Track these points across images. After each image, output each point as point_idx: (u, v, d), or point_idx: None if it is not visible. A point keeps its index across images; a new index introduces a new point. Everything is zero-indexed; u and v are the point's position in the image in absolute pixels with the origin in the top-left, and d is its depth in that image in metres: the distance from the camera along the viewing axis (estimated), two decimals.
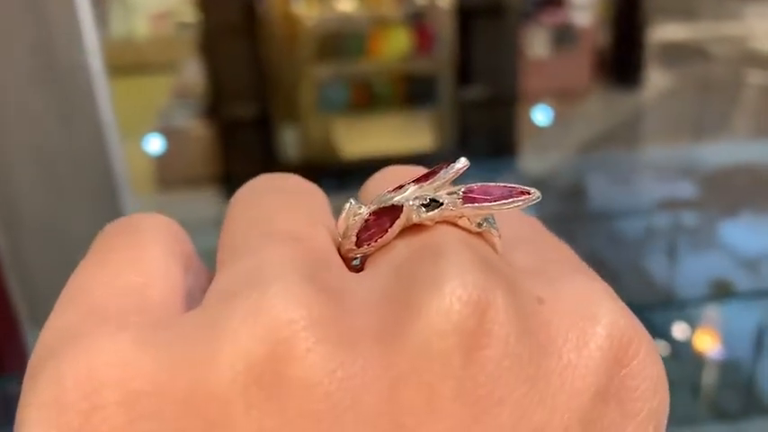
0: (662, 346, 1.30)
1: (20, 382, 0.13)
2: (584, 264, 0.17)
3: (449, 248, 0.14)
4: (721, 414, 1.20)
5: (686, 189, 1.79)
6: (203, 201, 2.21)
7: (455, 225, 0.15)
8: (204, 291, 0.15)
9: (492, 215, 0.15)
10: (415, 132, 2.39)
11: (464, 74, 2.33)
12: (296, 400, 0.12)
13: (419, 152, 2.37)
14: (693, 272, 1.53)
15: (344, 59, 2.32)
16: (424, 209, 0.15)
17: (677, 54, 2.57)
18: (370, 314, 0.13)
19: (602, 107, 2.44)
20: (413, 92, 2.37)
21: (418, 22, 2.29)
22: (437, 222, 0.15)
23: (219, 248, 0.15)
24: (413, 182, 0.15)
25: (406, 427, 0.12)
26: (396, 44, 2.33)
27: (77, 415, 0.12)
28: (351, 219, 0.15)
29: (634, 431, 0.14)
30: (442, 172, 0.15)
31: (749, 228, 1.63)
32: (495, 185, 0.15)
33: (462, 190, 0.15)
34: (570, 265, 0.16)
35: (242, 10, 2.11)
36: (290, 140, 2.32)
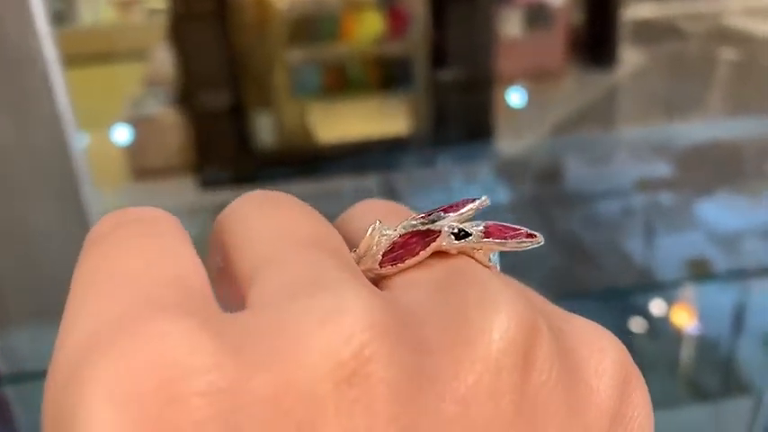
0: (640, 327, 1.30)
1: None
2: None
3: (488, 276, 0.15)
4: (700, 394, 1.21)
5: (662, 168, 1.80)
6: (178, 190, 2.19)
7: (472, 257, 0.16)
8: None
9: (497, 252, 0.16)
10: (390, 116, 2.38)
11: (438, 56, 2.32)
12: (385, 404, 0.12)
13: (395, 136, 2.36)
14: (671, 251, 1.53)
15: (317, 43, 2.30)
16: (453, 237, 0.15)
17: (651, 32, 2.57)
18: (430, 327, 0.14)
19: (576, 87, 2.44)
20: (387, 75, 2.36)
21: (391, 5, 2.28)
22: (458, 251, 0.16)
23: (245, 260, 0.15)
24: (441, 210, 0.16)
25: None
26: (369, 27, 2.31)
27: (154, 406, 0.11)
28: (377, 238, 0.16)
29: None
30: (467, 206, 0.16)
31: (725, 205, 1.63)
32: (508, 226, 0.16)
33: (484, 225, 0.16)
34: (559, 309, 0.17)
35: None
36: (264, 127, 2.30)
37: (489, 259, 0.16)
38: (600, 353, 0.15)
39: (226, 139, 2.22)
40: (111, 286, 0.13)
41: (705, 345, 1.25)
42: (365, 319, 0.12)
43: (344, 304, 0.12)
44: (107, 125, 2.19)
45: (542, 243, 0.16)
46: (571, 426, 0.14)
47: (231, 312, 0.14)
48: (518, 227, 0.16)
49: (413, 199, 1.87)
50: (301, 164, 2.25)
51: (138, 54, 2.31)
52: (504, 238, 0.16)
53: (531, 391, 0.14)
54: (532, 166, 1.93)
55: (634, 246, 1.58)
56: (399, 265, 0.16)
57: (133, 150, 2.19)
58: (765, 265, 1.43)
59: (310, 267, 0.14)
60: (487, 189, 1.83)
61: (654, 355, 1.29)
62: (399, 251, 0.16)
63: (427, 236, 0.15)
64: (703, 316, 1.26)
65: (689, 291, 1.32)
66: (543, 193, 1.80)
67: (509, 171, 1.96)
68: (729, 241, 1.52)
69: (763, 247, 1.48)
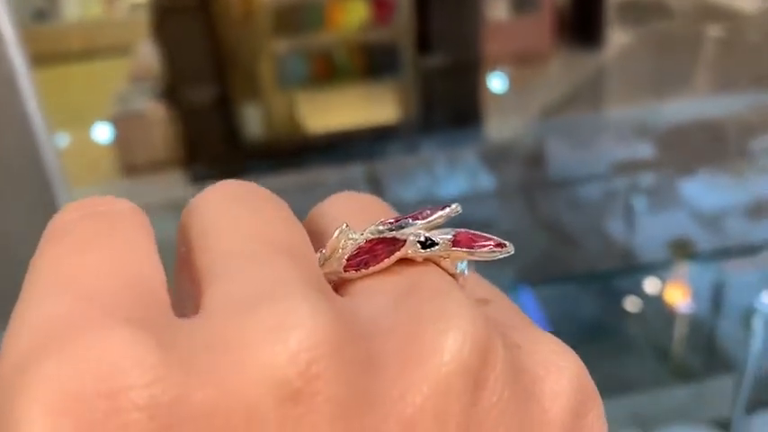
0: (623, 308, 1.30)
1: None
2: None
3: (449, 288, 0.15)
4: (683, 374, 1.21)
5: (647, 149, 1.79)
6: (167, 185, 2.18)
7: (438, 264, 0.16)
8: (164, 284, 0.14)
9: (466, 261, 0.17)
10: (377, 104, 2.37)
11: (424, 42, 2.31)
12: (326, 417, 0.12)
13: (383, 124, 2.35)
14: (654, 232, 1.53)
15: (302, 33, 2.29)
16: (419, 245, 0.16)
17: (638, 11, 2.56)
18: (382, 342, 0.13)
19: (564, 69, 2.44)
20: (374, 62, 2.35)
21: None
22: (424, 259, 0.16)
23: (204, 252, 0.15)
24: (410, 217, 0.16)
25: None
26: (354, 14, 2.30)
27: (92, 418, 0.11)
28: (343, 241, 0.16)
29: None
30: (437, 213, 0.16)
31: (708, 184, 1.63)
32: (478, 234, 0.16)
33: (453, 234, 0.16)
34: (526, 320, 0.17)
35: None
36: (252, 119, 2.29)
37: (457, 267, 0.16)
38: (557, 373, 0.15)
39: (213, 133, 2.21)
40: (61, 288, 0.13)
41: (688, 324, 1.26)
42: (314, 336, 0.12)
43: (295, 319, 0.12)
44: (94, 121, 2.19)
45: (512, 253, 0.16)
46: None
47: (187, 305, 0.14)
48: (488, 236, 0.16)
49: (398, 187, 1.86)
50: (290, 155, 2.25)
51: (122, 49, 2.31)
52: (472, 247, 0.16)
53: (480, 414, 0.14)
54: (518, 150, 1.92)
55: (618, 227, 1.58)
56: (363, 270, 0.16)
57: (121, 146, 2.19)
58: (747, 243, 1.43)
59: (268, 273, 0.13)
60: (473, 174, 1.83)
61: (637, 335, 1.29)
62: (364, 256, 0.16)
63: (393, 244, 0.16)
64: (686, 295, 1.26)
65: (672, 271, 1.32)
66: (528, 178, 1.80)
67: (495, 156, 1.95)
68: (712, 220, 1.52)
69: (746, 225, 1.48)
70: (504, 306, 0.18)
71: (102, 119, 2.19)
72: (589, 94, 2.24)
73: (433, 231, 0.16)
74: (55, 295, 0.12)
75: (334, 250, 0.16)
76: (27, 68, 0.74)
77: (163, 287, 0.14)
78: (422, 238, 0.16)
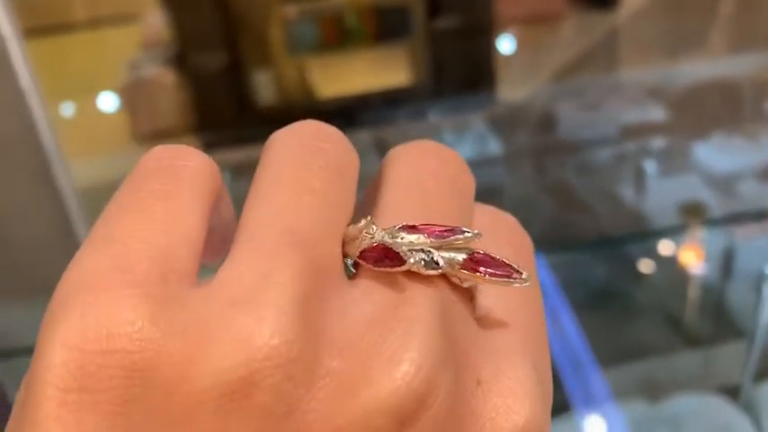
0: (634, 274, 1.30)
1: None
2: (542, 334, 0.19)
3: (421, 323, 0.16)
4: (693, 341, 1.20)
5: (660, 112, 1.77)
6: None
7: (446, 278, 0.17)
8: (224, 230, 0.18)
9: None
10: (389, 68, 2.35)
11: (435, 3, 2.28)
12: (255, 420, 0.14)
13: (396, 87, 2.33)
14: (666, 196, 1.52)
15: None
16: (423, 264, 0.17)
17: None
18: (339, 356, 0.15)
19: (578, 31, 2.39)
20: (385, 25, 2.32)
21: None
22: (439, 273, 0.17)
23: (243, 216, 0.17)
24: (425, 231, 0.17)
25: None
26: None
27: (92, 365, 0.14)
28: (362, 234, 0.17)
29: None
30: (454, 237, 0.17)
31: (722, 148, 1.60)
32: (497, 259, 0.17)
33: (465, 255, 0.17)
34: (527, 337, 0.18)
35: None
36: (262, 84, 2.28)
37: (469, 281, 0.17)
38: (504, 417, 0.16)
39: (224, 99, 2.21)
40: (103, 246, 0.16)
41: (699, 289, 1.25)
42: (267, 349, 0.14)
43: (260, 329, 0.14)
44: (104, 90, 2.19)
45: (528, 284, 0.17)
46: None
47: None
48: (507, 262, 0.17)
49: None
50: (302, 120, 2.24)
51: (131, 17, 2.30)
52: (483, 272, 0.17)
53: None
54: (529, 114, 1.90)
55: (630, 192, 1.56)
56: (371, 265, 0.17)
57: (132, 114, 2.19)
58: (760, 207, 1.41)
59: (268, 269, 0.15)
60: (483, 139, 1.81)
61: (647, 301, 1.29)
62: (377, 254, 0.17)
63: (398, 258, 0.17)
64: (698, 261, 1.25)
65: (683, 236, 1.30)
66: (539, 142, 1.78)
67: (506, 120, 1.93)
68: (725, 184, 1.50)
69: (759, 189, 1.46)
70: (512, 325, 0.18)
71: (112, 87, 2.19)
72: (603, 55, 2.20)
73: (448, 252, 0.17)
74: (97, 251, 0.16)
75: (355, 237, 0.17)
76: (18, 39, 0.74)
77: (189, 257, 0.16)
78: (427, 259, 0.17)
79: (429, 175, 0.20)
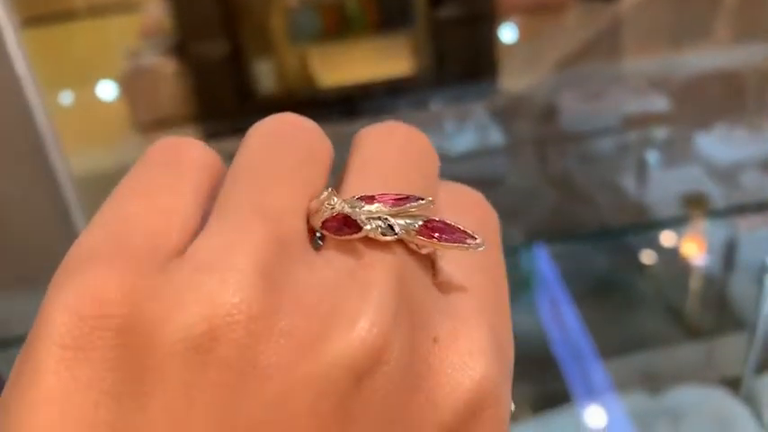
0: (636, 265, 1.29)
1: None
2: (501, 299, 0.20)
3: (377, 285, 0.17)
4: (694, 332, 1.20)
5: (663, 102, 1.76)
6: None
7: (404, 244, 0.18)
8: None
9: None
10: (391, 56, 2.34)
11: None
12: (219, 373, 0.15)
13: (397, 76, 2.32)
14: (668, 187, 1.51)
15: None
16: (380, 231, 0.18)
17: None
18: (301, 317, 0.16)
19: (581, 20, 2.38)
20: (386, 14, 2.31)
21: None
22: (396, 239, 0.18)
23: (221, 194, 0.19)
24: (382, 201, 0.19)
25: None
26: None
27: (87, 327, 0.16)
28: (323, 206, 0.19)
29: None
30: (408, 204, 0.18)
31: (724, 138, 1.60)
32: (452, 225, 0.18)
33: (421, 222, 0.18)
34: (485, 301, 0.19)
35: None
36: (264, 73, 2.28)
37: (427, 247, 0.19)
38: (460, 373, 0.17)
39: (225, 88, 2.20)
40: (104, 226, 0.18)
41: (701, 281, 1.24)
42: (228, 306, 0.16)
43: (222, 289, 0.16)
44: (104, 79, 2.19)
45: (482, 248, 0.18)
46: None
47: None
48: (462, 228, 0.18)
49: None
50: (303, 110, 2.23)
51: (132, 5, 2.29)
52: (439, 238, 0.18)
53: (360, 405, 0.16)
54: (531, 103, 1.90)
55: (631, 182, 1.55)
56: (332, 234, 0.18)
57: (132, 103, 2.19)
58: (763, 198, 1.41)
59: (236, 238, 0.17)
60: (484, 129, 1.81)
61: (649, 292, 1.28)
62: (337, 224, 0.18)
63: (356, 225, 0.18)
64: (700, 252, 1.25)
65: (685, 227, 1.30)
66: (540, 132, 1.77)
67: (507, 110, 1.93)
68: (728, 175, 1.49)
69: (762, 180, 1.46)
70: (472, 290, 0.19)
71: (111, 76, 2.18)
72: (605, 45, 2.19)
73: (405, 219, 0.18)
74: (99, 230, 0.18)
75: (317, 210, 0.19)
76: (14, 27, 0.73)
77: (180, 238, 0.18)
78: (384, 226, 0.18)
79: (391, 151, 0.21)
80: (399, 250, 0.18)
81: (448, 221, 0.19)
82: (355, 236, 0.18)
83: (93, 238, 0.18)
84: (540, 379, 1.08)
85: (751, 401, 0.98)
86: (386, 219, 0.18)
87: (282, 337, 0.16)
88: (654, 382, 1.05)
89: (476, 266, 0.20)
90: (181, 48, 2.18)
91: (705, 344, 1.16)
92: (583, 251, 1.29)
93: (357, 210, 0.18)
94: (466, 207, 0.21)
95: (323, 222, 0.19)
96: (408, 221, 0.18)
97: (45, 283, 0.18)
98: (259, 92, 2.22)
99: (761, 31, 1.97)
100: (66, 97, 2.09)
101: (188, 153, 0.20)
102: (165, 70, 2.19)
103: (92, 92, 2.13)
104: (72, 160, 0.84)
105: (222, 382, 0.16)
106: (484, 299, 0.19)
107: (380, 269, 0.18)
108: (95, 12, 2.36)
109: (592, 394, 1.06)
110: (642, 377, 1.10)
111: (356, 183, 0.20)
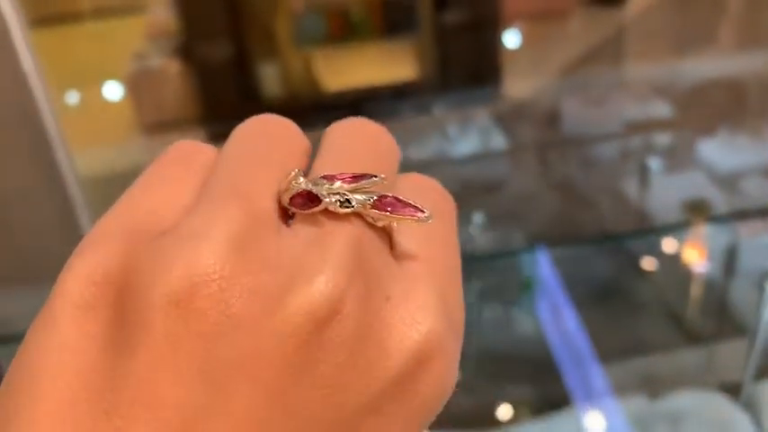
0: (638, 270, 1.29)
1: None
2: (452, 268, 0.23)
3: (335, 248, 0.20)
4: (694, 338, 1.20)
5: (666, 108, 1.76)
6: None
7: (362, 217, 0.21)
8: None
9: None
10: (395, 61, 2.35)
11: None
12: (197, 323, 0.18)
13: (401, 81, 2.33)
14: (670, 193, 1.51)
15: None
16: (339, 205, 0.20)
17: None
18: (268, 275, 0.19)
19: (585, 26, 2.39)
20: (391, 19, 2.32)
21: None
22: (354, 213, 0.21)
23: (216, 162, 0.22)
24: (342, 179, 0.21)
25: (259, 381, 0.18)
26: None
27: (97, 290, 0.19)
28: (291, 185, 0.21)
29: (403, 427, 0.20)
30: (365, 180, 0.21)
31: (726, 145, 1.60)
32: (405, 202, 0.21)
33: (375, 197, 0.21)
34: (435, 268, 0.22)
35: None
36: (268, 76, 2.28)
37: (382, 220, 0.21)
38: (411, 326, 0.20)
39: (230, 91, 2.21)
40: (117, 212, 0.21)
41: (702, 287, 1.24)
42: (203, 266, 0.18)
43: (198, 252, 0.18)
44: (111, 80, 2.19)
45: (430, 220, 0.21)
46: (344, 378, 0.19)
47: None
48: (414, 205, 0.21)
49: (411, 148, 1.85)
50: (308, 114, 2.23)
51: (138, 7, 2.29)
52: (390, 211, 0.21)
53: (320, 351, 0.18)
54: (535, 109, 1.90)
55: (634, 188, 1.56)
56: (298, 209, 0.21)
57: (138, 104, 2.19)
58: (763, 205, 1.41)
59: (215, 216, 0.19)
60: (488, 134, 1.81)
61: (650, 297, 1.29)
62: (302, 199, 0.21)
63: (317, 199, 0.20)
64: (701, 258, 1.25)
65: (687, 233, 1.30)
66: (544, 137, 1.78)
67: (511, 115, 1.93)
68: (730, 182, 1.50)
69: (764, 186, 1.46)
70: (424, 258, 0.22)
71: (117, 77, 2.19)
72: (609, 52, 2.20)
73: (360, 194, 0.21)
74: (113, 215, 0.21)
75: (286, 189, 0.21)
76: (22, 28, 0.74)
77: (172, 215, 0.21)
78: (342, 200, 0.20)
79: (355, 140, 0.24)
80: (357, 222, 0.21)
81: (399, 197, 0.21)
82: (316, 209, 0.20)
83: (107, 221, 0.21)
84: (541, 382, 1.09)
85: (750, 407, 0.99)
86: (344, 194, 0.21)
87: (251, 292, 0.18)
88: (654, 387, 1.05)
89: (429, 239, 0.23)
90: (186, 50, 2.18)
91: (705, 349, 1.17)
92: (584, 256, 1.30)
93: (319, 187, 0.21)
94: (423, 191, 0.24)
95: (290, 199, 0.21)
96: (365, 197, 0.21)
97: (51, 279, 0.20)
98: (264, 95, 2.23)
99: (764, 38, 1.97)
100: (73, 97, 2.10)
101: (199, 154, 0.23)
102: (171, 72, 2.20)
103: (98, 92, 2.13)
104: (77, 160, 0.85)
105: (200, 331, 0.18)
106: (434, 265, 0.22)
107: (339, 235, 0.20)
108: (102, 13, 2.36)
109: (592, 398, 1.06)
110: (642, 382, 1.10)
111: (321, 165, 0.23)
